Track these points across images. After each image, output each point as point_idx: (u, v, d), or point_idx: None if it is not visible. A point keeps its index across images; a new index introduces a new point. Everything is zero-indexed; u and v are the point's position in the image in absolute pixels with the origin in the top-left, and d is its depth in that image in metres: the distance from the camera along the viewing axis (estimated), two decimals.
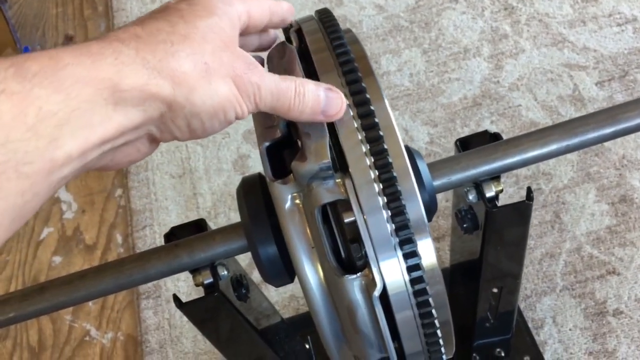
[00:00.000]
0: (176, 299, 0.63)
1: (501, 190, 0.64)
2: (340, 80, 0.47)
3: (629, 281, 1.01)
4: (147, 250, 0.60)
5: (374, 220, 0.44)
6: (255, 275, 1.05)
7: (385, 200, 0.44)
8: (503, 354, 0.93)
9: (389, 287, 0.45)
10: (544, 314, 1.00)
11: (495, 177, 0.64)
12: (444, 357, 0.49)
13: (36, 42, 1.52)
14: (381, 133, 0.45)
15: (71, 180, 0.39)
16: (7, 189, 0.33)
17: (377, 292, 0.45)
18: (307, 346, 0.95)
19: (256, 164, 1.22)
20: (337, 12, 1.39)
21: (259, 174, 0.57)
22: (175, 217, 1.19)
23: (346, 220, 0.45)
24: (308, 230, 0.47)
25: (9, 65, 0.34)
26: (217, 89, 0.40)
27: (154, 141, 0.42)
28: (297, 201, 0.47)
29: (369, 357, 0.49)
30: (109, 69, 0.37)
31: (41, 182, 0.34)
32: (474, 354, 0.93)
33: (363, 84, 0.47)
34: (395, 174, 0.44)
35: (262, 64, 0.53)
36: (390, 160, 0.45)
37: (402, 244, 0.44)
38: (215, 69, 0.40)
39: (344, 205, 0.46)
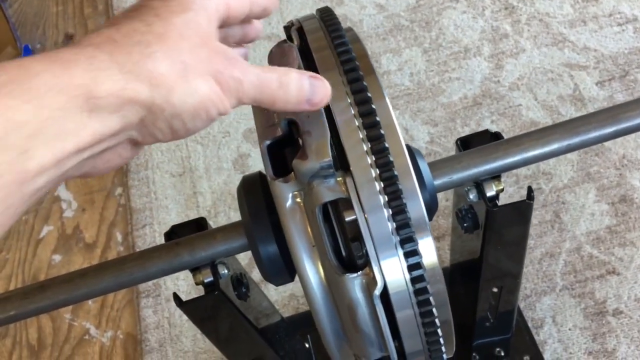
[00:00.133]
0: (176, 297, 0.63)
1: (502, 190, 0.64)
2: (341, 79, 0.47)
3: (629, 281, 1.01)
4: (147, 249, 0.60)
5: (374, 219, 0.44)
6: (255, 274, 1.05)
7: (386, 198, 0.44)
8: (503, 354, 0.93)
9: (389, 286, 0.45)
10: (543, 313, 1.00)
11: (495, 176, 0.64)
12: (444, 356, 0.49)
13: (36, 41, 1.52)
14: (382, 131, 0.45)
15: (52, 189, 0.38)
16: None
17: (377, 291, 0.45)
18: (307, 345, 0.95)
19: (256, 163, 1.22)
20: (337, 11, 1.39)
21: (260, 173, 0.57)
22: (175, 216, 1.19)
23: (347, 219, 0.45)
24: (309, 229, 0.47)
25: None
26: (197, 88, 0.39)
27: (136, 145, 0.41)
28: (298, 200, 0.47)
29: (369, 356, 0.49)
30: (82, 75, 0.35)
31: (14, 194, 0.34)
32: (474, 354, 0.93)
33: (364, 83, 0.47)
34: (396, 172, 0.44)
35: (247, 57, 0.52)
36: (391, 158, 0.45)
37: (403, 242, 0.44)
38: (194, 67, 0.39)
39: (345, 203, 0.46)
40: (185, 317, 1.07)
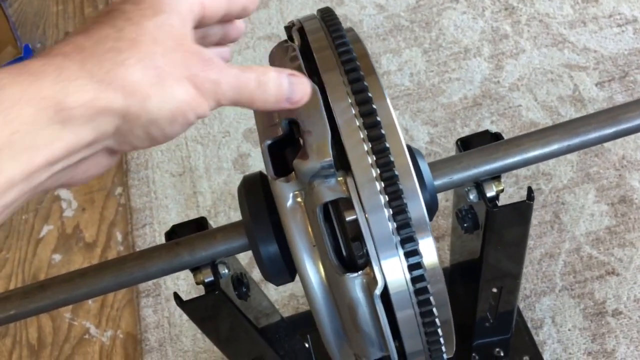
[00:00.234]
0: (177, 297, 0.63)
1: (502, 190, 0.64)
2: (342, 79, 0.47)
3: (628, 282, 1.01)
4: (148, 248, 0.60)
5: (375, 219, 0.44)
6: (255, 274, 1.06)
7: (387, 198, 0.44)
8: (502, 354, 0.93)
9: (390, 286, 0.45)
10: (543, 314, 1.00)
11: (496, 176, 0.64)
12: (444, 356, 0.49)
13: (36, 40, 1.52)
14: (383, 131, 0.45)
15: (24, 202, 0.37)
16: None
17: (378, 291, 0.45)
18: (307, 345, 0.95)
19: (256, 163, 1.23)
20: (337, 12, 1.39)
21: (260, 173, 0.57)
22: (175, 216, 1.20)
23: (348, 219, 0.45)
24: (309, 229, 0.47)
25: None
26: (173, 93, 0.38)
27: (114, 153, 0.41)
28: (299, 199, 0.47)
29: (369, 356, 0.49)
30: (51, 86, 0.34)
31: None
32: (474, 354, 0.93)
33: (365, 83, 0.47)
34: (396, 172, 0.44)
35: (229, 57, 0.51)
36: (392, 158, 0.45)
37: (403, 242, 0.44)
38: (169, 72, 0.38)
39: (345, 203, 0.46)
40: (185, 316, 1.07)
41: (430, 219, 0.50)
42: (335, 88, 0.47)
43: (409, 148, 0.51)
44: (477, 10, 1.36)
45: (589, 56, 1.25)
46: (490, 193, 0.64)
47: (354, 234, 0.46)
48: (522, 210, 0.67)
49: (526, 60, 1.27)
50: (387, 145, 0.45)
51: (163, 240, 0.62)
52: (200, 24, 0.43)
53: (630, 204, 1.08)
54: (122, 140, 0.39)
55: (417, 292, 0.45)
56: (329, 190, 0.45)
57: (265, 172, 0.53)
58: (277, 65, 0.52)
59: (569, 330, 0.99)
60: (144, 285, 1.12)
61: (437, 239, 1.08)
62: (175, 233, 0.63)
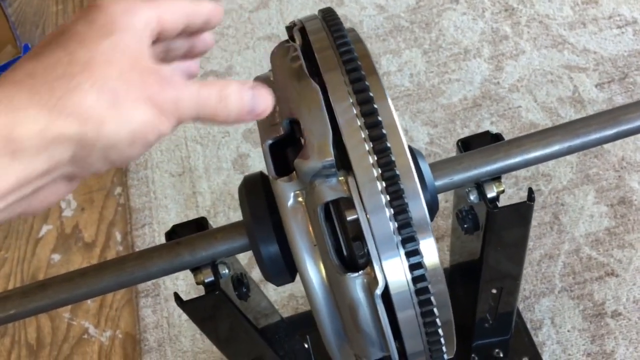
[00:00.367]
0: (177, 297, 0.63)
1: (502, 191, 0.64)
2: (343, 79, 0.47)
3: (628, 283, 1.01)
4: (148, 248, 0.60)
5: (376, 218, 0.44)
6: (254, 274, 1.05)
7: (388, 198, 0.44)
8: (502, 355, 0.93)
9: (390, 286, 0.45)
10: (542, 315, 1.00)
11: (496, 177, 0.64)
12: (445, 356, 0.49)
13: (36, 40, 1.52)
14: (384, 131, 0.45)
15: None
16: None
17: (379, 291, 0.45)
18: (306, 345, 0.95)
19: (256, 163, 1.22)
20: (337, 12, 1.39)
21: (261, 173, 0.57)
22: (175, 216, 1.19)
23: (349, 218, 0.45)
24: (310, 228, 0.47)
25: None
26: (130, 116, 0.37)
27: (73, 179, 0.39)
28: (300, 199, 0.47)
29: (370, 356, 0.49)
30: (0, 118, 0.33)
31: None
32: (473, 355, 0.93)
33: (366, 82, 0.47)
34: (398, 172, 0.44)
35: (196, 70, 0.50)
36: (393, 158, 0.45)
37: (404, 242, 0.44)
38: (125, 94, 0.36)
39: (346, 203, 0.46)
40: (184, 317, 1.07)
41: (431, 219, 0.50)
42: (336, 88, 0.47)
43: (410, 148, 0.51)
44: (477, 11, 1.36)
45: (589, 57, 1.25)
46: (490, 194, 0.64)
47: (355, 233, 0.46)
48: (523, 211, 0.67)
49: (526, 62, 1.27)
50: (388, 145, 0.45)
51: (162, 241, 0.62)
52: (159, 39, 0.42)
53: (629, 205, 1.08)
54: (80, 166, 0.37)
55: (418, 292, 0.45)
56: (330, 189, 0.45)
57: (265, 172, 0.53)
58: (278, 65, 0.52)
59: (568, 331, 0.99)
60: (143, 286, 1.12)
61: (436, 240, 1.08)
62: (176, 233, 0.63)
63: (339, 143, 0.46)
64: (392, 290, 0.45)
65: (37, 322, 1.13)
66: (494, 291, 0.80)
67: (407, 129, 1.22)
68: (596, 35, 1.28)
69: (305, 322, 0.99)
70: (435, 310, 0.46)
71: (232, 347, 0.74)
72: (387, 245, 0.44)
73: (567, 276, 1.03)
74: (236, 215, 1.16)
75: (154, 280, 1.12)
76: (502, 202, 0.65)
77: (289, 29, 0.55)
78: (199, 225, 0.64)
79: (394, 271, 0.45)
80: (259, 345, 0.73)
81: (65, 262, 1.19)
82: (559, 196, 1.10)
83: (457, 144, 0.67)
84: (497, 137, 0.65)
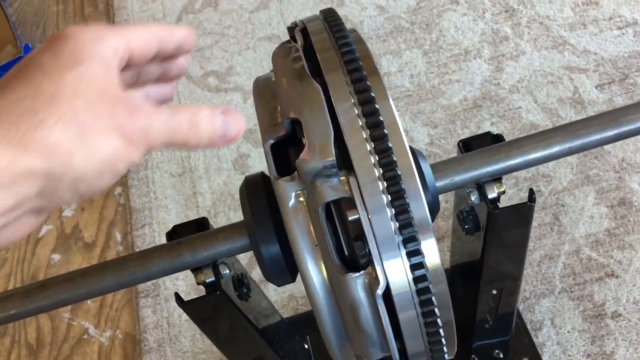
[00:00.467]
0: (178, 297, 0.63)
1: (503, 192, 0.64)
2: (345, 79, 0.47)
3: (628, 284, 1.01)
4: (149, 248, 0.60)
5: (377, 218, 0.44)
6: (254, 274, 1.05)
7: (389, 198, 0.44)
8: (502, 356, 0.93)
9: (392, 285, 0.45)
10: (542, 315, 1.01)
11: (497, 178, 0.64)
12: (446, 356, 0.49)
13: (36, 40, 1.52)
14: (385, 131, 0.45)
15: None
16: None
17: (380, 290, 0.45)
18: (306, 346, 0.95)
19: (256, 163, 1.23)
20: (338, 13, 1.40)
21: (262, 173, 0.57)
22: (175, 216, 1.19)
23: (350, 218, 0.45)
24: (311, 228, 0.47)
25: None
26: (98, 147, 0.36)
27: (41, 212, 0.39)
28: (301, 199, 0.47)
29: (371, 356, 0.49)
30: None
31: None
32: (473, 355, 0.93)
33: (368, 83, 0.47)
34: (399, 172, 0.44)
35: (171, 94, 0.50)
36: (394, 158, 0.45)
37: (405, 242, 0.44)
38: (92, 126, 0.36)
39: (347, 203, 0.46)
40: (184, 317, 1.07)
41: (432, 220, 0.50)
42: (338, 88, 0.47)
43: (411, 149, 0.51)
44: (477, 12, 1.36)
45: (589, 58, 1.25)
46: (491, 194, 0.64)
47: (356, 233, 0.46)
48: (524, 212, 0.67)
49: (526, 62, 1.27)
50: (390, 145, 0.45)
51: (163, 241, 0.62)
52: (129, 64, 0.42)
53: (629, 207, 1.08)
54: (48, 199, 0.37)
55: (419, 292, 0.45)
56: (331, 189, 0.45)
57: (266, 172, 0.53)
58: (279, 66, 0.52)
59: (568, 332, 0.99)
60: (143, 286, 1.12)
61: (437, 241, 1.08)
62: (177, 233, 0.63)
63: (341, 143, 0.46)
64: (393, 290, 0.45)
65: (37, 322, 1.13)
66: (494, 292, 0.80)
67: (407, 129, 1.22)
68: (597, 37, 1.28)
69: (306, 322, 0.99)
70: (436, 310, 0.46)
71: (232, 348, 0.74)
72: (388, 245, 0.44)
73: (567, 277, 1.03)
74: (236, 216, 1.16)
75: (154, 281, 1.12)
76: (502, 202, 0.65)
77: (291, 29, 0.55)
78: (200, 225, 0.64)
79: (395, 271, 0.45)
80: (259, 345, 0.73)
81: (65, 262, 1.19)
82: (559, 197, 1.10)
83: (458, 144, 0.67)
84: (498, 138, 0.65)
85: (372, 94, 0.46)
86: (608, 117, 0.62)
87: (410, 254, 0.44)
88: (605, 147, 1.14)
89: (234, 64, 1.38)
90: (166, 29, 0.45)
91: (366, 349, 0.49)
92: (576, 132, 0.62)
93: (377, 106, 0.46)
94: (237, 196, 1.18)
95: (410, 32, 1.36)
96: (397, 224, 0.44)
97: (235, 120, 0.43)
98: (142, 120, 0.38)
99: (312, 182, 0.46)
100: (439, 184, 0.60)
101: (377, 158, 0.45)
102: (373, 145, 0.45)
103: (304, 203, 0.47)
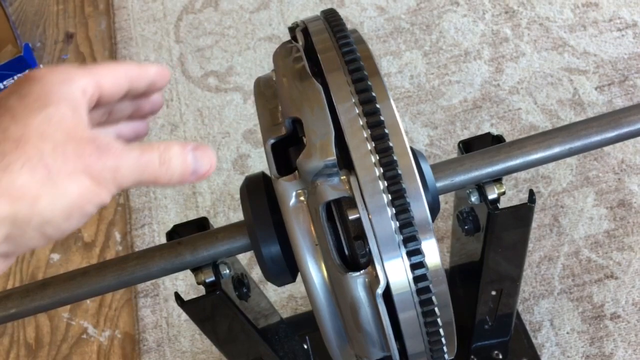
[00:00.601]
0: (178, 297, 0.63)
1: (503, 193, 0.64)
2: (346, 79, 0.47)
3: (627, 285, 1.01)
4: (149, 248, 0.60)
5: (378, 218, 0.44)
6: (254, 274, 1.06)
7: (390, 197, 0.44)
8: (501, 357, 0.93)
9: (392, 285, 0.45)
10: (541, 317, 1.01)
11: (497, 179, 0.64)
12: (446, 356, 0.49)
13: (36, 39, 1.52)
14: (386, 131, 0.45)
15: None
16: None
17: (380, 289, 0.45)
18: (305, 346, 0.95)
19: (256, 164, 1.23)
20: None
21: (263, 173, 0.57)
22: (174, 216, 1.19)
23: (350, 217, 0.45)
24: (312, 228, 0.47)
25: None
26: (65, 190, 0.36)
27: (8, 257, 0.39)
28: (302, 198, 0.47)
29: (371, 356, 0.49)
30: None
31: None
32: (472, 356, 0.93)
33: (369, 82, 0.47)
34: (400, 171, 0.45)
35: (144, 131, 0.49)
36: (395, 158, 0.45)
37: (406, 241, 0.44)
38: (60, 169, 0.36)
39: (348, 202, 0.46)
40: (183, 317, 1.07)
41: (432, 220, 0.50)
42: (339, 88, 0.47)
43: (411, 149, 0.51)
44: (477, 13, 1.36)
45: (589, 60, 1.25)
46: (492, 195, 0.64)
47: (357, 233, 0.46)
48: (524, 213, 0.67)
49: (526, 64, 1.27)
50: (391, 144, 0.45)
51: (162, 241, 0.62)
52: (100, 103, 0.42)
53: (629, 208, 1.08)
54: (15, 244, 0.37)
55: (420, 291, 0.45)
56: (332, 189, 0.45)
57: (267, 172, 0.53)
58: (280, 65, 0.52)
59: (567, 333, 0.99)
60: (142, 286, 1.12)
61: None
62: (177, 233, 0.63)
63: (341, 143, 0.46)
64: (394, 289, 0.45)
65: (36, 322, 1.13)
66: (494, 293, 0.80)
67: (407, 130, 1.22)
68: (596, 38, 1.28)
69: (305, 323, 0.99)
70: (436, 310, 0.46)
71: (231, 348, 0.74)
72: (388, 244, 0.44)
73: (566, 278, 1.03)
74: (236, 216, 1.16)
75: (153, 281, 1.12)
76: (501, 203, 0.66)
77: (292, 29, 0.55)
78: (200, 225, 0.64)
79: (395, 270, 0.45)
80: (258, 345, 0.73)
81: (64, 261, 1.19)
82: (559, 198, 1.10)
83: (459, 145, 0.67)
84: (499, 139, 0.65)
85: (373, 94, 0.46)
86: (609, 118, 0.62)
87: (410, 254, 0.44)
88: (605, 148, 1.14)
89: (234, 64, 1.38)
90: (138, 68, 0.44)
91: (366, 348, 0.49)
92: (577, 133, 0.62)
93: (377, 106, 0.46)
94: (237, 196, 1.19)
95: (411, 33, 1.36)
96: (398, 224, 0.44)
97: (207, 155, 0.43)
98: (111, 160, 0.38)
99: (313, 181, 0.46)
100: (439, 184, 0.60)
101: (378, 157, 0.45)
102: (374, 145, 0.45)
103: (305, 202, 0.47)
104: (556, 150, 0.61)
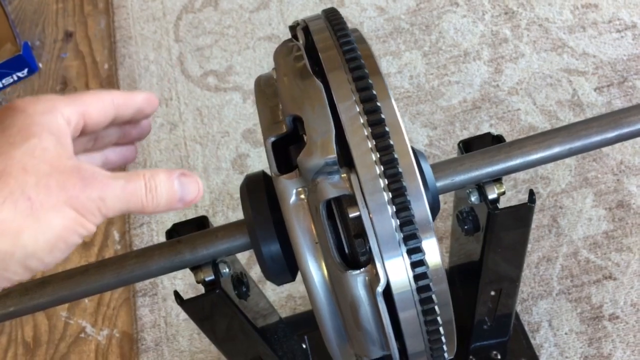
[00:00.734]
0: (177, 295, 0.63)
1: (503, 192, 0.64)
2: (347, 77, 0.48)
3: (625, 286, 1.02)
4: (149, 246, 0.60)
5: (378, 216, 0.44)
6: (253, 274, 1.05)
7: (390, 195, 0.44)
8: (499, 357, 0.93)
9: (392, 283, 0.45)
10: (540, 317, 1.01)
11: (497, 179, 0.64)
12: (446, 355, 0.49)
13: (36, 38, 1.52)
14: (387, 129, 0.45)
15: None
16: None
17: (380, 288, 0.44)
18: (304, 346, 0.95)
19: (255, 163, 1.22)
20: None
21: (263, 172, 0.57)
22: (173, 215, 1.19)
23: (351, 215, 0.45)
24: (312, 226, 0.47)
25: None
26: (49, 223, 0.36)
27: None
28: (302, 196, 0.47)
29: (370, 355, 0.49)
30: None
31: None
32: (471, 356, 0.93)
33: (370, 81, 0.47)
34: (400, 169, 0.45)
35: (132, 155, 0.49)
36: (395, 156, 0.45)
37: (406, 239, 0.44)
38: (43, 201, 0.36)
39: (348, 200, 0.46)
40: (182, 316, 1.07)
41: (432, 219, 0.50)
42: (340, 86, 0.47)
43: (412, 149, 0.51)
44: (477, 14, 1.36)
45: (588, 61, 1.26)
46: (492, 195, 0.64)
47: (357, 231, 0.46)
48: (523, 213, 0.67)
49: (525, 65, 1.27)
50: (391, 142, 0.45)
51: (161, 240, 0.62)
52: (85, 132, 0.41)
53: (627, 209, 1.08)
54: None
55: (420, 290, 0.45)
56: (332, 187, 0.45)
57: (267, 171, 0.53)
58: (281, 64, 0.52)
59: (565, 334, 0.99)
60: (141, 285, 1.12)
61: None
62: (176, 231, 0.63)
63: (342, 141, 0.46)
64: (394, 288, 0.45)
65: (34, 321, 1.12)
66: (493, 293, 0.80)
67: (406, 130, 1.22)
68: (596, 39, 1.28)
69: (304, 322, 0.99)
70: (436, 308, 0.46)
71: (230, 347, 0.74)
72: (389, 242, 0.44)
73: (565, 279, 1.03)
74: (235, 215, 1.16)
75: (152, 280, 1.11)
76: (501, 204, 0.66)
77: (293, 28, 0.55)
78: (200, 223, 0.64)
79: (395, 269, 0.45)
80: (257, 344, 0.73)
81: (62, 260, 1.19)
82: (558, 199, 1.10)
83: (459, 145, 0.67)
84: (499, 139, 0.65)
85: (374, 92, 0.47)
86: (609, 118, 0.62)
87: (411, 252, 0.44)
88: (604, 149, 1.14)
89: (234, 64, 1.38)
90: (124, 95, 0.44)
91: (366, 347, 0.49)
92: (577, 133, 0.62)
93: (378, 104, 0.46)
94: (236, 195, 1.18)
95: (410, 33, 1.36)
96: (398, 222, 0.44)
97: (193, 182, 0.43)
98: (96, 191, 0.38)
99: (313, 179, 0.46)
100: (439, 184, 0.60)
101: (379, 155, 0.45)
102: (374, 143, 0.45)
103: (305, 200, 0.47)
104: (556, 150, 0.61)
